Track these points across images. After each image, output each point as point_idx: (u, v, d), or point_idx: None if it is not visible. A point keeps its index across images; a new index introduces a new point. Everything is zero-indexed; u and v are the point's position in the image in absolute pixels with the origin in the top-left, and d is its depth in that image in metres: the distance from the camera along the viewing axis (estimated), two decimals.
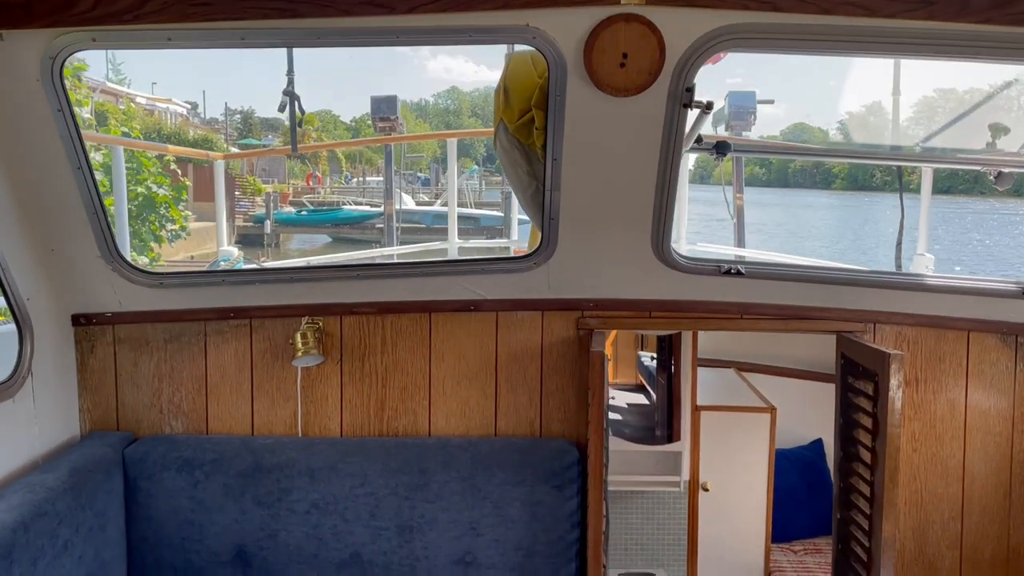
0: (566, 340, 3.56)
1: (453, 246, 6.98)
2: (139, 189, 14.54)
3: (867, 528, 3.20)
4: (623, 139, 3.05)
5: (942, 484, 3.59)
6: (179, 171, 16.51)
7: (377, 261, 7.65)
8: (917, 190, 6.76)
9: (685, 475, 5.74)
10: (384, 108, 7.06)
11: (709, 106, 2.88)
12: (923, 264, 6.05)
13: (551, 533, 3.39)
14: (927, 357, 3.56)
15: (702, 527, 5.81)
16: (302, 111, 6.40)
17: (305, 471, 3.38)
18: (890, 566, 3.09)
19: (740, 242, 6.99)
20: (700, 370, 6.40)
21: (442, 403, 3.61)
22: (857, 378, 3.32)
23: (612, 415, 6.49)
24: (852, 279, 3.48)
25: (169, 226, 15.87)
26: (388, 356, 3.60)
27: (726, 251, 6.99)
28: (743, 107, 6.93)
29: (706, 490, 5.76)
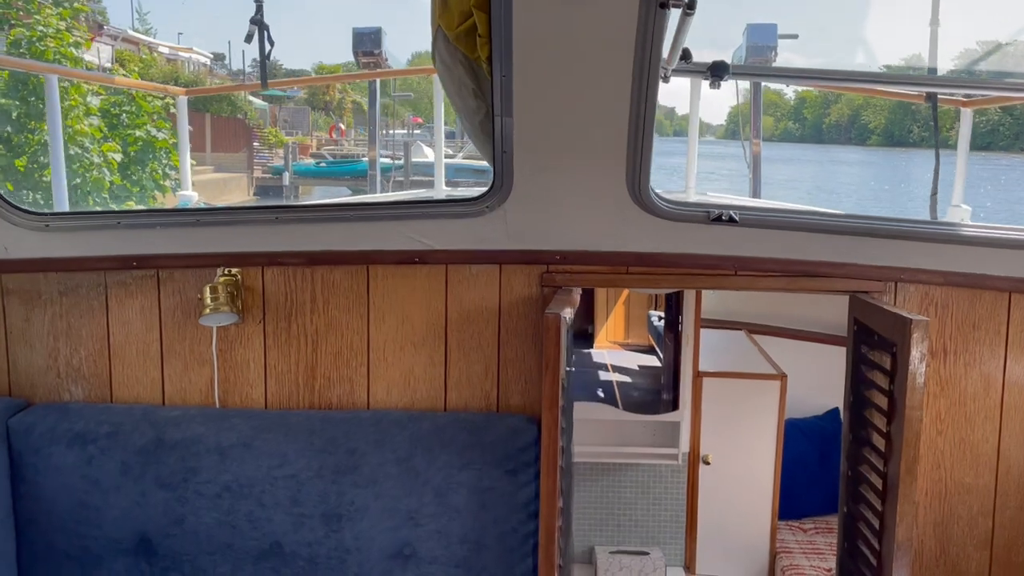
0: (528, 299, 3.01)
1: (441, 194, 6.42)
2: (137, 133, 14.08)
3: (878, 527, 2.65)
4: (587, 50, 2.46)
5: (971, 473, 3.02)
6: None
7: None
8: (955, 146, 6.08)
9: (684, 447, 5.22)
10: (367, 42, 6.46)
11: (691, 5, 2.28)
12: (958, 216, 5.40)
13: (503, 524, 2.88)
14: (959, 323, 2.97)
15: (702, 503, 5.30)
16: (271, 42, 5.84)
17: (214, 448, 2.89)
18: (904, 573, 2.55)
19: (756, 192, 6.35)
20: (707, 332, 5.82)
21: (383, 372, 3.09)
22: (872, 348, 2.75)
23: (621, 378, 5.97)
24: (869, 229, 2.89)
25: (173, 174, 15.40)
26: (319, 316, 3.08)
27: (740, 203, 6.36)
28: (762, 43, 6.24)
29: (707, 463, 5.23)
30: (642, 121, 2.57)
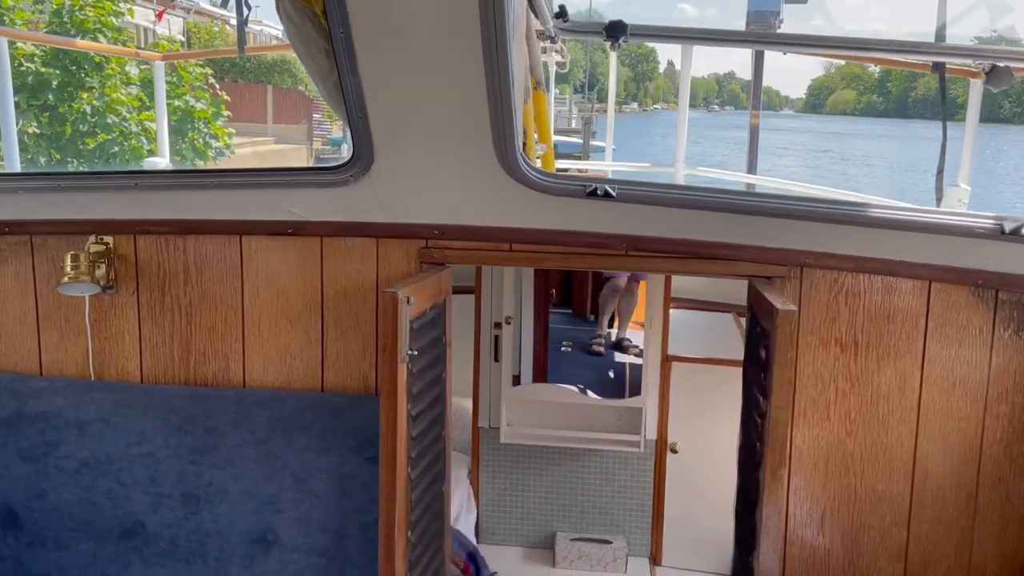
0: (407, 276, 2.83)
1: None
2: (177, 103, 14.21)
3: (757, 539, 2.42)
4: (428, 6, 2.25)
5: (884, 479, 2.74)
6: (216, 86, 16.14)
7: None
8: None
9: (649, 434, 4.98)
10: None
11: None
12: (955, 197, 4.97)
13: (366, 514, 2.72)
14: (871, 314, 2.68)
15: (669, 492, 5.06)
16: (248, 7, 5.71)
17: (73, 423, 2.80)
18: None
19: (752, 167, 6.00)
20: (694, 314, 5.55)
21: (258, 348, 2.95)
22: (759, 341, 2.50)
23: (637, 360, 5.76)
24: (772, 209, 2.61)
25: (215, 143, 15.55)
26: (193, 287, 2.95)
27: (733, 178, 6.02)
28: (766, 8, 5.87)
29: (675, 452, 4.99)
30: (499, 87, 2.35)
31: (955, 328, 2.63)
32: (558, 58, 6.33)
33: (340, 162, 2.67)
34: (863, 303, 2.67)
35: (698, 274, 2.71)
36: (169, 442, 2.76)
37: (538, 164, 3.00)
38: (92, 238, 2.91)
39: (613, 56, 5.98)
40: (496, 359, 4.98)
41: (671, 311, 4.94)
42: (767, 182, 5.78)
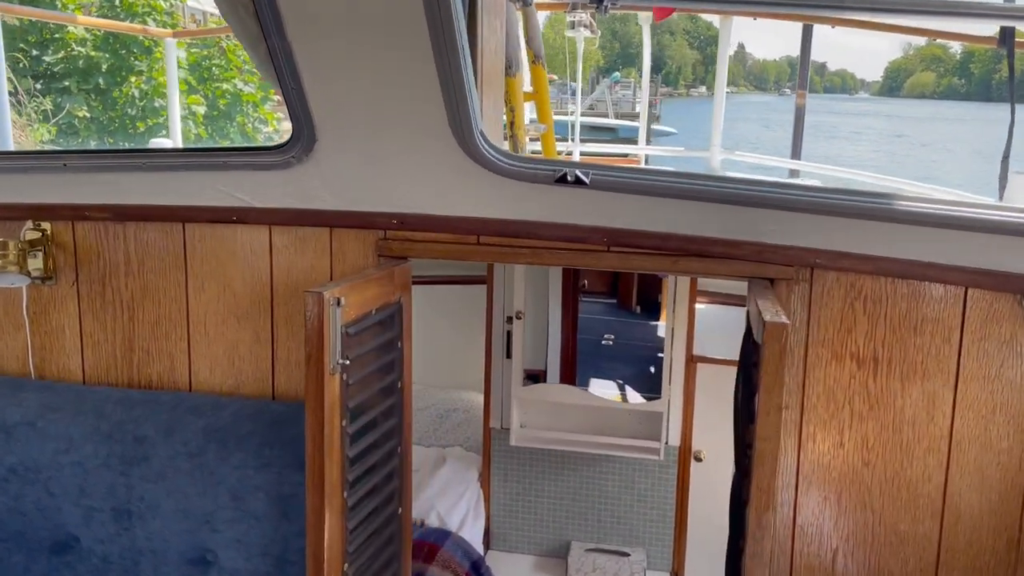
0: (365, 270, 2.51)
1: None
2: (225, 86, 14.17)
3: None
4: None
5: (907, 518, 2.33)
6: None
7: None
8: None
9: (671, 440, 4.61)
10: None
11: None
12: (1019, 187, 4.43)
13: None
14: (895, 325, 2.26)
15: (693, 503, 4.68)
16: None
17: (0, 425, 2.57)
18: None
19: (796, 152, 5.51)
20: (724, 309, 5.13)
21: (205, 348, 2.68)
22: (748, 357, 2.11)
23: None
24: (777, 199, 2.21)
25: (264, 128, 15.50)
26: (134, 279, 2.69)
27: (775, 163, 5.53)
28: None
29: (699, 460, 4.60)
30: (448, 57, 2.00)
31: (996, 343, 2.20)
32: (587, 34, 5.94)
33: (282, 141, 2.36)
34: (885, 312, 2.25)
35: (689, 274, 2.34)
36: (99, 451, 2.50)
37: (531, 146, 2.64)
38: (28, 223, 2.67)
39: (646, 30, 5.57)
40: (508, 355, 4.65)
41: (697, 305, 4.54)
42: (812, 168, 5.29)
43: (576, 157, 7.31)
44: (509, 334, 4.63)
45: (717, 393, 4.51)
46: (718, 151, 5.15)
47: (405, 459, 2.50)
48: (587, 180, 2.20)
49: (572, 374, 5.13)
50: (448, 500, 4.69)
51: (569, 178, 2.20)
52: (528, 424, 4.79)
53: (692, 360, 4.51)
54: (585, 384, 5.17)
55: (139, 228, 2.64)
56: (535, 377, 4.92)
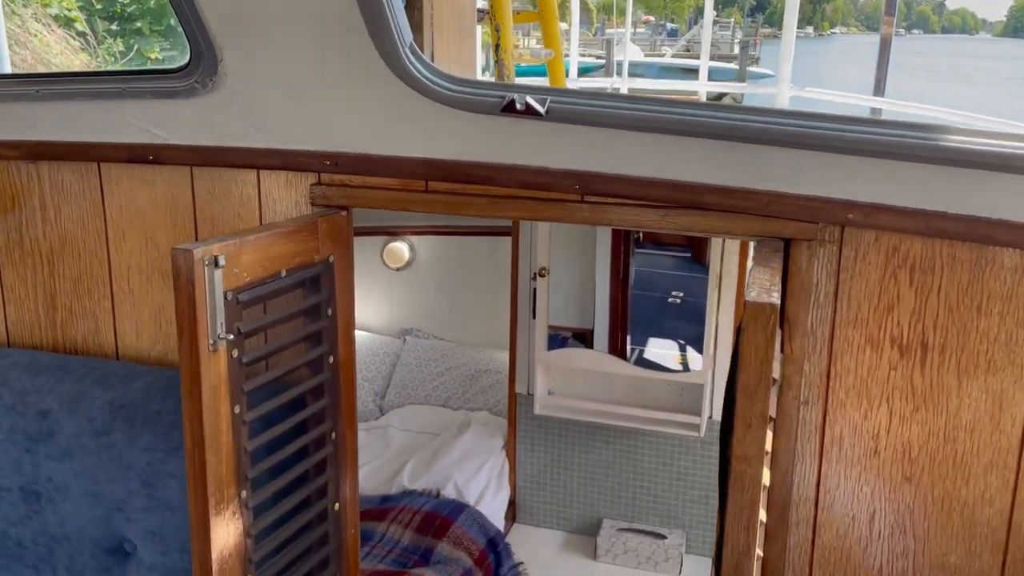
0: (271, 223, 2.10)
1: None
2: None
3: None
4: None
5: (960, 549, 1.81)
6: None
7: None
8: None
9: (715, 414, 4.10)
10: None
11: None
12: None
13: None
14: (952, 301, 1.72)
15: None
16: None
17: None
18: None
19: (879, 88, 4.80)
20: None
21: (130, 308, 2.33)
22: (737, 343, 1.61)
23: None
24: (796, 134, 1.67)
25: None
26: (52, 228, 2.35)
27: (855, 101, 4.82)
28: None
29: None
30: None
31: None
32: None
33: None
34: (939, 284, 1.71)
35: (681, 230, 1.83)
36: (1, 424, 2.19)
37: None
38: None
39: None
40: (534, 315, 4.21)
41: (748, 260, 4.00)
42: (896, 107, 4.59)
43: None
44: (535, 291, 4.18)
45: None
46: (787, 87, 4.51)
47: (343, 445, 2.11)
48: (542, 109, 1.71)
49: (621, 334, 4.63)
50: (468, 469, 4.32)
51: (518, 106, 1.72)
52: (556, 391, 4.36)
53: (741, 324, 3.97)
54: (642, 344, 4.69)
55: (53, 169, 2.29)
56: (581, 337, 4.47)
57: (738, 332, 1.68)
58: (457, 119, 1.87)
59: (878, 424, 1.80)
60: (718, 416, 4.09)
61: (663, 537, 4.28)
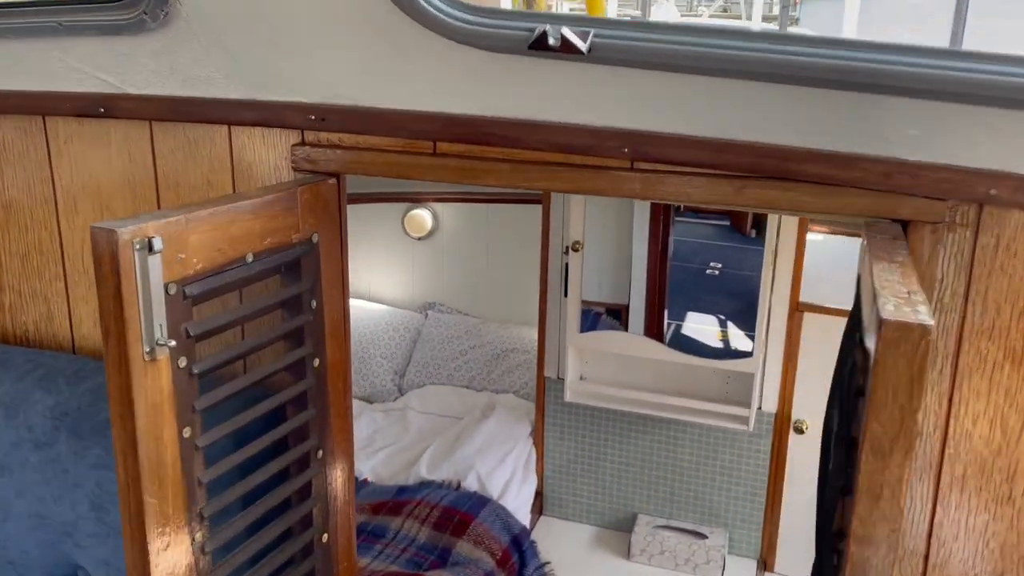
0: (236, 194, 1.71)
1: None
2: None
3: None
4: None
5: None
6: None
7: None
8: None
9: (765, 405, 3.69)
10: None
11: None
12: None
13: None
14: None
15: (791, 482, 3.79)
16: None
17: None
18: None
19: (957, 38, 4.27)
20: (844, 241, 4.09)
21: (85, 290, 1.96)
22: (847, 354, 1.20)
23: None
24: (923, 78, 1.24)
25: None
26: None
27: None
28: None
29: (801, 432, 3.68)
30: None
31: None
32: None
33: None
34: None
35: (762, 208, 1.41)
36: None
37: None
38: None
39: None
40: (565, 293, 3.80)
41: (809, 236, 3.55)
42: None
43: None
44: (567, 267, 3.77)
45: (829, 350, 3.54)
46: (854, 22, 4.00)
47: (333, 464, 1.73)
48: (583, 46, 1.29)
49: (659, 311, 4.20)
50: (491, 459, 3.95)
51: (551, 41, 1.29)
52: (589, 376, 3.96)
53: (798, 308, 3.54)
54: (680, 318, 4.27)
55: None
56: (616, 313, 4.06)
57: (845, 344, 1.26)
58: (474, 61, 1.45)
59: (1015, 464, 1.38)
60: (769, 408, 3.69)
61: (704, 537, 3.90)
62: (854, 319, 1.25)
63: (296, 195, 1.52)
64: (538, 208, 3.93)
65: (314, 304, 1.60)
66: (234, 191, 1.74)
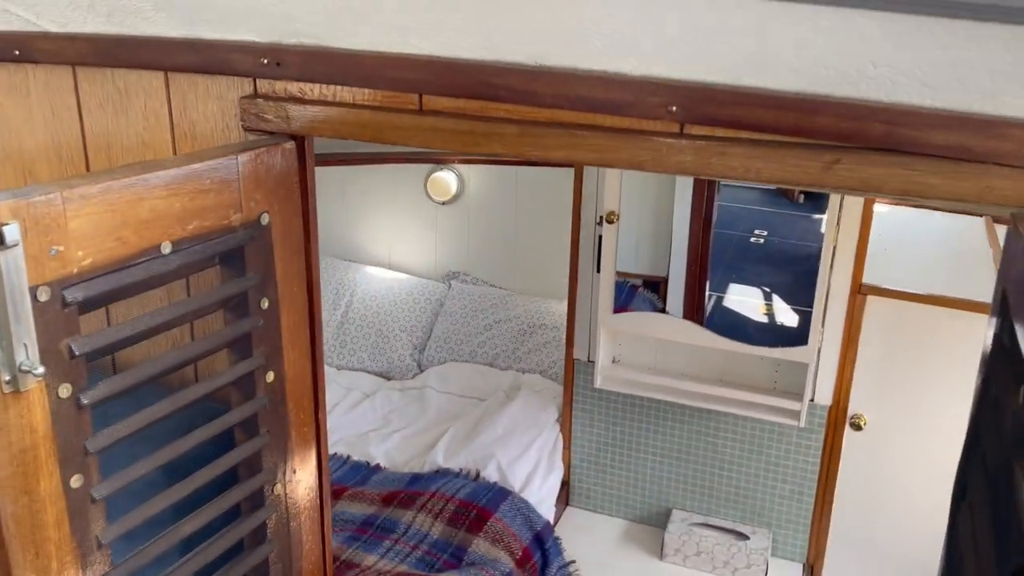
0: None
1: None
2: None
3: None
4: None
5: None
6: None
7: None
8: None
9: (818, 397, 3.31)
10: None
11: None
12: None
13: None
14: None
15: (844, 482, 3.41)
16: None
17: None
18: None
19: None
20: (925, 217, 3.63)
21: None
22: (1011, 364, 0.82)
23: None
24: None
25: None
26: None
27: None
28: None
29: (858, 428, 3.30)
30: None
31: None
32: None
33: None
34: None
35: (862, 191, 1.03)
36: None
37: None
38: None
39: None
40: (598, 269, 3.42)
41: (876, 207, 3.13)
42: None
43: None
44: (600, 240, 3.39)
45: (894, 339, 3.14)
46: None
47: (292, 502, 1.39)
48: None
49: (700, 284, 3.81)
50: (514, 448, 3.61)
51: None
52: (622, 360, 3.59)
53: (860, 290, 3.13)
54: (722, 290, 3.90)
55: None
56: (654, 286, 3.68)
57: (1002, 322, 0.87)
58: None
59: None
60: (822, 400, 3.30)
61: (745, 537, 3.54)
62: (1003, 353, 0.86)
63: (236, 164, 1.16)
64: (571, 173, 3.54)
65: (265, 304, 1.25)
66: (175, 151, 1.38)
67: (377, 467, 3.61)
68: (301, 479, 1.38)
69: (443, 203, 4.48)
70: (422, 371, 4.27)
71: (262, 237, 1.22)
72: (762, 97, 1.01)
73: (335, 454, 3.67)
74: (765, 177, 1.02)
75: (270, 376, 1.28)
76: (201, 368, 1.34)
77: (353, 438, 3.80)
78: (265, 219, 1.22)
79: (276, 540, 1.36)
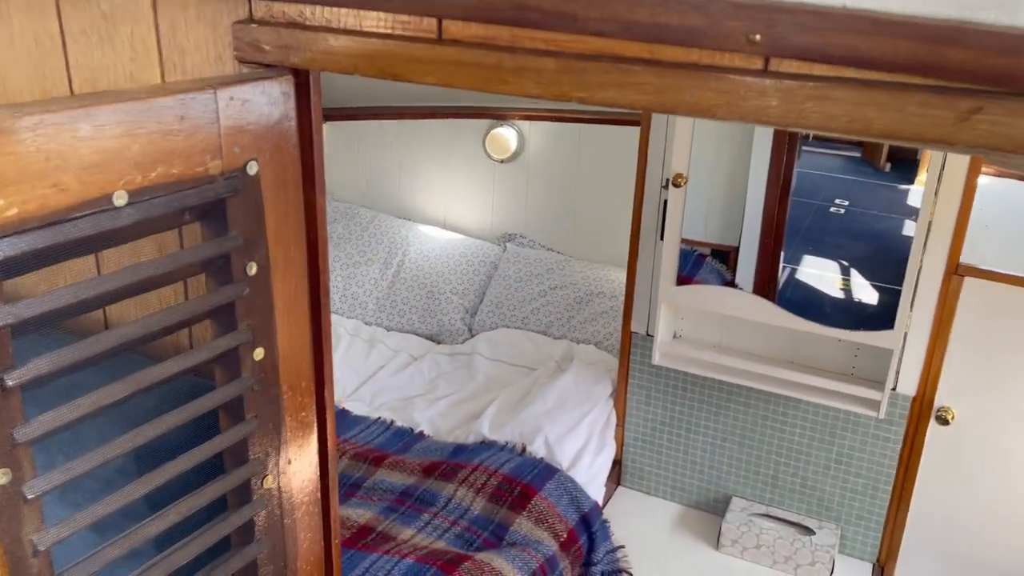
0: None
1: None
2: None
3: None
4: None
5: None
6: None
7: None
8: None
9: (901, 386, 3.02)
10: None
11: None
12: None
13: None
14: None
15: (925, 479, 3.13)
16: None
17: None
18: None
19: None
20: (1020, 186, 3.29)
21: None
22: None
23: None
24: None
25: None
26: None
27: None
28: None
29: (945, 422, 3.00)
30: None
31: None
32: None
33: None
34: None
35: (1019, 153, 0.75)
36: None
37: None
38: None
39: None
40: (661, 236, 3.17)
41: (980, 179, 2.80)
42: None
43: None
44: (665, 204, 3.12)
45: (992, 327, 2.82)
46: None
47: (287, 496, 1.20)
48: None
49: (773, 256, 3.52)
50: (564, 422, 3.41)
51: None
52: (684, 335, 3.34)
53: (956, 271, 2.81)
54: (796, 262, 3.62)
55: None
56: (723, 256, 3.42)
57: None
58: None
59: None
60: (906, 390, 3.00)
61: (811, 532, 3.29)
62: None
63: (213, 100, 0.95)
64: (639, 131, 3.28)
65: (252, 269, 1.05)
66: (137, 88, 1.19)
67: (420, 435, 3.46)
68: (298, 471, 1.20)
69: (501, 161, 4.26)
70: (472, 335, 4.08)
71: (248, 190, 1.02)
72: (877, 22, 0.75)
73: (379, 419, 3.52)
74: (877, 130, 0.77)
75: (259, 353, 1.09)
76: (165, 350, 1.16)
77: (398, 402, 3.65)
78: (253, 168, 1.01)
79: (267, 539, 1.18)
